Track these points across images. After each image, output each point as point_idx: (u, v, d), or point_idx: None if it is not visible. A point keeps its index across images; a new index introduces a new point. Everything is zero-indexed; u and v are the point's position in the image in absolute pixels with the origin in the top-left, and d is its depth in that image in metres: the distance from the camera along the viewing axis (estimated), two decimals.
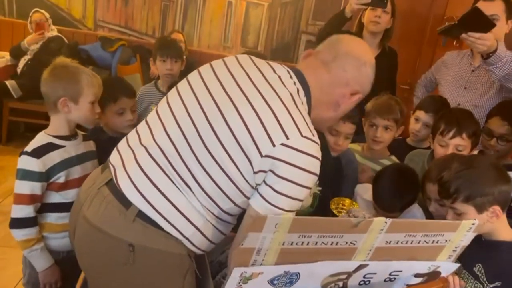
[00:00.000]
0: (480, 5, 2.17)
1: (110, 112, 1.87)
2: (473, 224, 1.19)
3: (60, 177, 1.62)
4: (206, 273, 1.36)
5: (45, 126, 1.67)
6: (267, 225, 1.00)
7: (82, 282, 1.65)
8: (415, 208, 1.73)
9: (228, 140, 1.13)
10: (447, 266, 1.28)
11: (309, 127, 1.15)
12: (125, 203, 1.20)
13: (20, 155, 1.59)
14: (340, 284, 1.21)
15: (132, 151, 1.26)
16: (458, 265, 1.30)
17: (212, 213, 1.22)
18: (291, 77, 1.25)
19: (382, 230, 1.11)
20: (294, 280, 1.14)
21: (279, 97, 1.17)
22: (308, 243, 1.07)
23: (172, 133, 1.21)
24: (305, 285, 1.15)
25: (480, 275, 1.38)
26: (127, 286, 1.24)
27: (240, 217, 1.26)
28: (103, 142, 1.82)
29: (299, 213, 1.27)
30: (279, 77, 1.23)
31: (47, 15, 4.20)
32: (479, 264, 1.39)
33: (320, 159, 1.15)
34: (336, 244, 1.09)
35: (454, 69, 2.47)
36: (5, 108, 4.08)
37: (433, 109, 2.16)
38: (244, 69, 1.25)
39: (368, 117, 2.10)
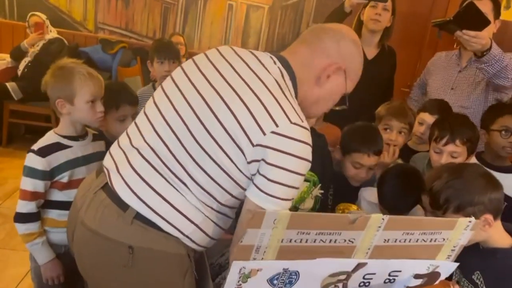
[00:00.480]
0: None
1: (111, 118, 1.86)
2: (469, 222, 1.19)
3: (64, 177, 1.63)
4: (206, 275, 1.36)
5: (45, 128, 1.69)
6: (265, 220, 1.00)
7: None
8: (417, 209, 1.73)
9: (218, 133, 1.13)
10: (446, 265, 1.28)
11: (297, 113, 1.15)
12: (122, 206, 1.19)
13: (28, 152, 1.61)
14: (340, 285, 1.20)
15: (124, 153, 1.25)
16: (457, 264, 1.30)
17: (211, 208, 1.22)
18: (274, 62, 1.24)
19: (379, 227, 1.11)
20: (293, 280, 1.13)
21: (265, 85, 1.16)
22: (307, 241, 1.07)
23: (162, 132, 1.21)
24: (305, 285, 1.15)
25: (479, 283, 1.38)
26: None
27: (238, 212, 1.26)
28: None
29: None
30: (263, 64, 1.22)
31: (44, 17, 4.22)
32: (478, 272, 1.39)
33: (310, 143, 1.14)
34: (335, 241, 1.09)
35: (441, 70, 2.48)
36: (5, 110, 4.08)
37: (438, 111, 2.14)
38: (227, 60, 1.24)
39: (383, 120, 2.10)
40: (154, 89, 2.64)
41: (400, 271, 1.24)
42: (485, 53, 1.93)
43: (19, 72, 4.16)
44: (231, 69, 1.20)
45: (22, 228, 1.63)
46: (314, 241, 1.07)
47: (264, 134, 1.09)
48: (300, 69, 1.26)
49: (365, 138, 1.83)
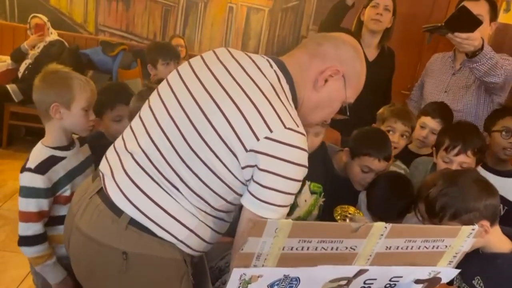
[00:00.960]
0: (464, 4, 2.18)
1: (107, 118, 1.85)
2: (473, 229, 1.18)
3: (66, 190, 1.59)
4: (206, 279, 1.36)
5: (45, 130, 1.65)
6: (266, 229, 0.99)
7: None
8: (412, 216, 1.72)
9: (212, 138, 1.11)
10: (447, 272, 1.27)
11: (292, 118, 1.12)
12: (117, 211, 1.18)
13: (22, 171, 1.54)
14: None
15: (119, 157, 1.24)
16: (458, 271, 1.30)
17: (205, 212, 1.20)
18: (271, 66, 1.22)
19: (382, 235, 1.10)
20: (294, 286, 1.13)
21: (260, 89, 1.13)
22: (308, 248, 1.06)
23: (155, 136, 1.19)
24: None
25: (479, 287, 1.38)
26: None
27: (236, 216, 1.25)
28: (104, 147, 1.81)
29: None
30: (259, 68, 1.20)
31: (45, 19, 4.22)
32: (478, 277, 1.38)
33: (306, 149, 1.12)
34: (336, 249, 1.08)
35: (436, 72, 2.47)
36: (6, 112, 4.08)
37: (440, 115, 2.14)
38: (223, 63, 1.21)
39: (386, 122, 2.09)
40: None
41: (401, 277, 1.24)
42: (477, 53, 1.91)
43: (20, 74, 4.16)
44: (226, 73, 1.18)
45: (30, 251, 1.56)
46: (316, 249, 1.06)
47: (258, 139, 1.07)
48: (297, 73, 1.23)
49: (377, 142, 1.81)
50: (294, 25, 4.59)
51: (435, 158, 1.92)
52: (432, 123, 2.15)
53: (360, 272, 1.17)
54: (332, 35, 1.30)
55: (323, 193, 1.72)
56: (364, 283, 1.21)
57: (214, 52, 1.27)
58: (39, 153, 1.57)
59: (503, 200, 1.71)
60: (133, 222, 1.17)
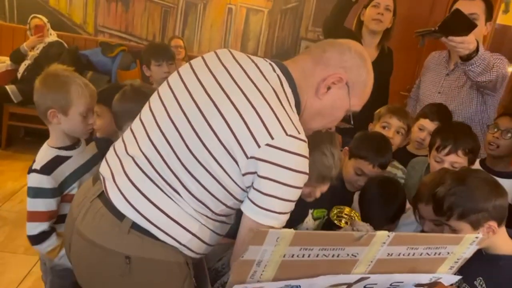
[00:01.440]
0: (460, 3, 2.17)
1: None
2: (476, 237, 1.18)
3: (74, 188, 1.60)
4: (205, 280, 1.36)
5: (44, 131, 1.65)
6: (268, 239, 0.98)
7: None
8: (411, 212, 1.72)
9: (212, 142, 1.10)
10: (448, 278, 1.27)
11: (294, 124, 1.10)
12: (118, 215, 1.17)
13: (28, 173, 1.56)
14: None
15: (120, 161, 1.23)
16: (459, 277, 1.30)
17: (206, 216, 1.19)
18: (274, 70, 1.19)
19: (384, 243, 1.09)
20: None
21: (261, 94, 1.11)
22: (309, 256, 1.05)
23: (155, 140, 1.18)
24: None
25: None
26: None
27: (234, 219, 1.25)
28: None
29: None
30: (261, 72, 1.17)
31: (45, 20, 4.23)
32: (480, 278, 1.38)
33: (307, 155, 1.11)
34: (338, 256, 1.08)
35: (431, 73, 2.47)
36: (5, 113, 4.08)
37: (438, 117, 2.14)
38: (224, 66, 1.19)
39: (382, 118, 2.09)
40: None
41: (401, 282, 1.23)
42: (472, 55, 1.90)
43: (19, 75, 4.16)
44: (228, 76, 1.16)
45: (43, 247, 1.58)
46: (317, 256, 1.06)
47: (259, 146, 1.06)
48: (301, 78, 1.21)
49: (376, 148, 1.81)
50: (293, 27, 4.59)
51: (429, 158, 1.93)
52: (430, 126, 2.15)
53: (362, 279, 1.17)
54: (339, 41, 1.26)
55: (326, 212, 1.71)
56: (365, 287, 1.20)
57: (216, 54, 1.25)
58: (44, 154, 1.59)
59: None
60: (135, 226, 1.16)
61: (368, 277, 1.16)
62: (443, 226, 1.42)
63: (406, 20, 3.64)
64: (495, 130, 2.03)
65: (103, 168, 1.27)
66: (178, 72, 1.25)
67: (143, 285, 1.19)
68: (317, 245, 1.04)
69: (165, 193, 1.16)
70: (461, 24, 1.84)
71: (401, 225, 1.75)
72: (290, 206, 1.13)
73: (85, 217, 1.22)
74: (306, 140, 1.12)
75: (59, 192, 1.57)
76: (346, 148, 1.86)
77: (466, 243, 1.19)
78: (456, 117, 2.25)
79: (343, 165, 1.84)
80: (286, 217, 1.14)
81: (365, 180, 1.80)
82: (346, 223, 1.63)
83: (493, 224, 1.32)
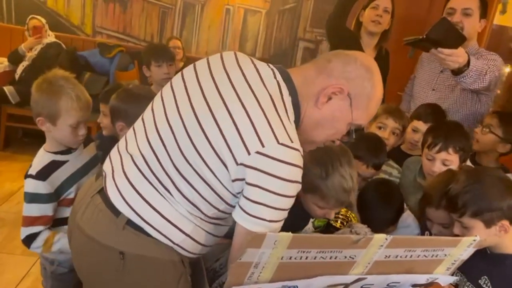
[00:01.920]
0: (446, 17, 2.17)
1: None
2: (474, 240, 1.18)
3: (71, 193, 1.59)
4: (203, 280, 1.36)
5: (42, 132, 1.64)
6: (266, 242, 0.98)
7: None
8: (406, 214, 1.73)
9: (203, 147, 1.09)
10: (445, 278, 1.28)
11: (287, 133, 1.07)
12: (115, 211, 1.19)
13: (25, 178, 1.54)
14: None
15: (121, 158, 1.25)
16: (456, 278, 1.30)
17: (200, 218, 1.20)
18: (275, 76, 1.17)
19: (382, 246, 1.10)
20: None
21: (258, 101, 1.09)
22: (307, 258, 1.05)
23: (152, 140, 1.19)
24: None
25: None
26: None
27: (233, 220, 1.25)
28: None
29: None
30: (261, 77, 1.16)
31: (43, 21, 4.22)
32: (485, 277, 1.38)
33: (300, 165, 1.08)
34: (335, 258, 1.08)
35: (425, 70, 2.47)
36: (3, 114, 4.08)
37: (432, 119, 2.14)
38: (226, 70, 1.17)
39: (378, 118, 2.08)
40: None
41: (398, 282, 1.24)
42: (463, 69, 1.90)
43: (17, 76, 4.16)
44: (227, 80, 1.15)
45: (37, 244, 1.57)
46: (314, 258, 1.06)
47: (249, 153, 1.04)
48: (302, 85, 1.18)
49: (371, 148, 1.81)
50: (291, 27, 4.60)
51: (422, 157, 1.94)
52: (424, 128, 2.14)
53: (358, 280, 1.17)
54: (346, 52, 1.22)
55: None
56: (362, 287, 1.21)
57: (221, 56, 1.24)
58: (40, 159, 1.57)
59: None
60: (130, 223, 1.18)
61: (365, 278, 1.17)
62: (451, 229, 1.42)
63: (403, 21, 3.64)
64: (478, 125, 2.07)
65: (105, 165, 1.29)
66: (182, 73, 1.25)
67: (137, 281, 1.20)
68: (314, 248, 1.04)
69: (159, 192, 1.17)
70: (449, 36, 1.82)
71: (398, 227, 1.75)
72: (282, 215, 1.12)
73: (85, 212, 1.25)
74: (300, 149, 1.09)
75: (55, 197, 1.56)
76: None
77: (464, 246, 1.19)
78: (450, 115, 2.26)
79: None
80: (278, 225, 1.12)
81: (359, 181, 1.80)
82: (342, 223, 1.63)
83: (506, 223, 1.32)
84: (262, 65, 1.21)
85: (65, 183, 1.58)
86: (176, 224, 1.18)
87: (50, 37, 4.28)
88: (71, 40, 4.51)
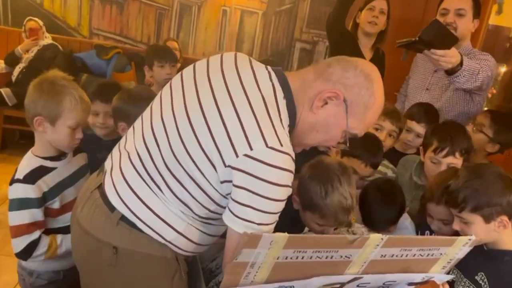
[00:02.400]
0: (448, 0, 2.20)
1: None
2: (469, 239, 1.19)
3: (55, 202, 1.54)
4: (199, 279, 1.37)
5: None
6: (262, 242, 0.99)
7: None
8: (404, 217, 1.74)
9: (193, 148, 1.10)
10: (440, 277, 1.28)
11: (278, 137, 1.06)
12: (110, 207, 1.21)
13: (10, 184, 1.48)
14: None
15: (120, 155, 1.27)
16: (451, 276, 1.31)
17: (193, 217, 1.20)
18: (270, 78, 1.16)
19: (378, 245, 1.10)
20: None
21: (250, 104, 1.09)
22: (303, 257, 1.06)
23: (147, 139, 1.20)
24: None
25: (483, 284, 1.38)
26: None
27: None
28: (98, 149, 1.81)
29: None
30: (256, 79, 1.15)
31: (40, 23, 4.22)
32: (482, 273, 1.39)
33: (289, 169, 1.07)
34: (331, 258, 1.08)
35: (420, 70, 2.49)
36: None
37: (425, 120, 2.16)
38: (222, 71, 1.17)
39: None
40: None
41: (394, 281, 1.24)
42: (456, 69, 1.92)
43: (13, 78, 4.14)
44: (222, 82, 1.14)
45: (40, 251, 1.50)
46: (310, 258, 1.07)
47: (237, 156, 1.04)
48: (299, 88, 1.17)
49: (370, 147, 1.81)
50: (288, 28, 4.60)
51: (422, 158, 1.94)
52: (417, 128, 2.17)
53: (354, 279, 1.18)
54: (348, 58, 1.20)
55: None
56: (358, 286, 1.21)
57: (221, 57, 1.24)
58: (27, 162, 1.52)
59: None
60: (124, 218, 1.20)
61: (361, 277, 1.17)
62: (451, 226, 1.43)
63: (399, 21, 3.66)
64: (470, 123, 2.07)
65: (107, 162, 1.32)
66: (181, 74, 1.26)
67: (130, 276, 1.22)
68: (310, 248, 1.04)
69: (152, 190, 1.18)
70: (442, 37, 1.84)
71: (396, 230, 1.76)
72: (272, 218, 1.11)
73: (84, 207, 1.27)
74: (290, 153, 1.08)
75: (42, 202, 1.50)
76: (337, 150, 1.87)
77: (459, 245, 1.20)
78: (443, 115, 2.27)
79: None
80: (268, 228, 1.11)
81: (356, 180, 1.80)
82: None
83: (505, 218, 1.33)
84: (259, 67, 1.21)
85: (50, 192, 1.52)
86: (168, 222, 1.19)
87: (47, 39, 4.27)
88: (67, 42, 4.50)
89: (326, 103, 1.16)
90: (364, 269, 1.16)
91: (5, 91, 3.99)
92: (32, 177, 1.48)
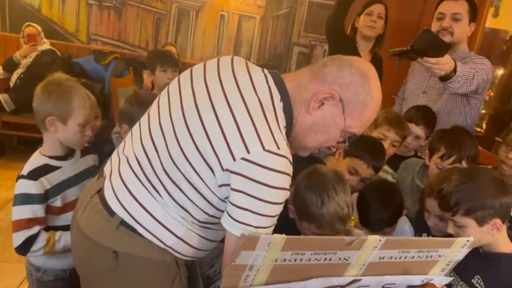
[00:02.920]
0: (444, 4, 2.22)
1: None
2: (467, 241, 1.18)
3: (56, 200, 1.58)
4: (198, 283, 1.37)
5: (38, 140, 1.65)
6: (259, 244, 0.98)
7: None
8: (403, 221, 1.74)
9: (191, 152, 1.09)
10: (440, 279, 1.28)
11: (275, 140, 1.05)
12: (110, 211, 1.21)
13: (17, 180, 1.54)
14: None
15: (119, 160, 1.27)
16: (451, 278, 1.31)
17: (192, 222, 1.20)
18: (266, 81, 1.16)
19: (376, 247, 1.10)
20: None
21: (246, 107, 1.08)
22: (301, 260, 1.06)
23: (145, 143, 1.20)
24: None
25: (479, 287, 1.38)
26: None
27: None
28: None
29: None
30: (252, 82, 1.14)
31: (39, 28, 4.23)
32: (478, 276, 1.39)
33: (287, 172, 1.06)
34: (330, 260, 1.08)
35: (417, 73, 2.51)
36: None
37: (424, 122, 2.17)
38: (219, 74, 1.17)
39: (379, 128, 2.08)
40: None
41: (393, 284, 1.24)
42: (450, 75, 1.92)
43: (12, 84, 4.15)
44: (219, 85, 1.14)
45: (38, 245, 1.53)
46: (309, 260, 1.06)
47: (234, 159, 1.03)
48: (295, 90, 1.17)
49: (373, 150, 1.82)
50: (285, 32, 4.62)
51: (427, 161, 1.93)
52: (416, 130, 2.18)
53: (354, 281, 1.17)
54: (343, 57, 1.19)
55: None
56: None
57: (218, 61, 1.23)
58: (34, 160, 1.58)
59: None
60: (124, 223, 1.20)
61: (360, 279, 1.17)
62: (447, 222, 1.43)
63: (396, 25, 3.67)
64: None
65: (106, 166, 1.32)
66: (178, 78, 1.26)
67: (130, 281, 1.22)
68: (308, 250, 1.04)
69: (151, 195, 1.18)
70: (433, 45, 1.84)
71: (394, 233, 1.76)
72: (270, 221, 1.10)
73: (84, 211, 1.27)
74: (288, 156, 1.07)
75: (45, 198, 1.55)
76: (340, 150, 1.87)
77: (458, 246, 1.19)
78: (440, 118, 2.28)
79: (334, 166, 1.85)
80: (266, 231, 1.10)
81: (357, 181, 1.81)
82: None
83: (498, 221, 1.33)
84: (255, 70, 1.20)
85: (53, 190, 1.56)
86: (168, 226, 1.19)
87: (45, 45, 4.27)
88: (66, 47, 4.51)
89: (323, 104, 1.16)
90: (363, 271, 1.16)
91: (3, 97, 4.00)
92: (35, 174, 1.54)
